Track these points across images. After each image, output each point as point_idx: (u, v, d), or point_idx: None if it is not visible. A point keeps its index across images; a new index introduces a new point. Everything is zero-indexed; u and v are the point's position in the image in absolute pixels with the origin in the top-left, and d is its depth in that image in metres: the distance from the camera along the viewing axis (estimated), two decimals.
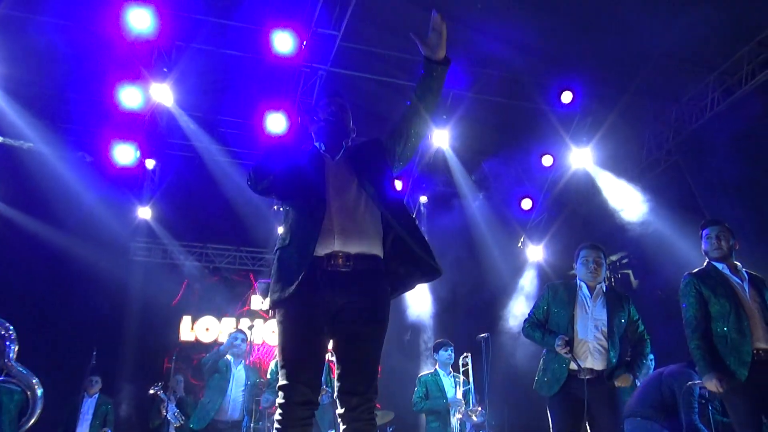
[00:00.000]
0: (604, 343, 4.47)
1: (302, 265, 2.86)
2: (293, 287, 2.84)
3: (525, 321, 4.81)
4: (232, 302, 12.05)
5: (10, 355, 5.72)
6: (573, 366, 4.41)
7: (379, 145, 3.26)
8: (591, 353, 4.44)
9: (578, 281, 4.73)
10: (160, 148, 10.11)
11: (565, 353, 4.36)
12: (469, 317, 10.98)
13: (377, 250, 3.00)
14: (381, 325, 2.96)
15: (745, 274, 4.49)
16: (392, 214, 3.02)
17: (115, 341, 10.38)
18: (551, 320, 4.66)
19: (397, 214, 3.03)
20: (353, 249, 2.93)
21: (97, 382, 8.45)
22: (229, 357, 7.11)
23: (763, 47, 8.21)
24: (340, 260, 2.90)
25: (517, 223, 12.00)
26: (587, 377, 4.34)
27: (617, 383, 4.43)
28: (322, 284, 2.88)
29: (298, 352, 2.84)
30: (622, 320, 4.60)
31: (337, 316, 2.92)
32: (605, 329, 4.50)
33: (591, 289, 4.66)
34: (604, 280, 4.76)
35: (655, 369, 6.10)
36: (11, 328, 5.73)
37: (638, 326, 4.69)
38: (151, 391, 8.17)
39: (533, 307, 4.84)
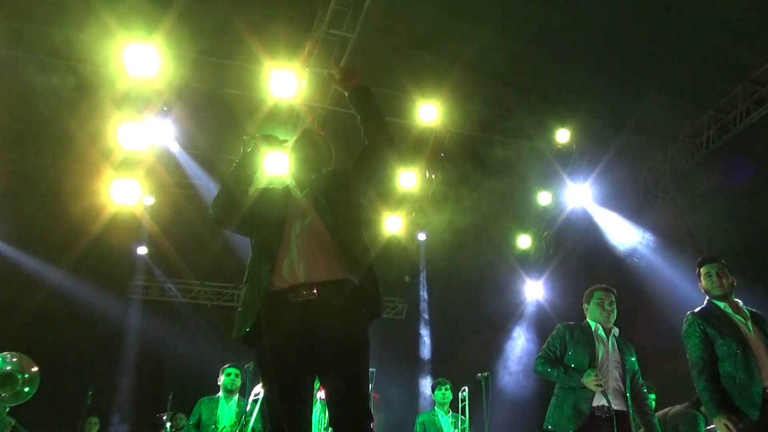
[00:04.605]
0: (621, 384, 4.43)
1: (256, 302, 2.85)
2: (248, 326, 2.84)
3: (539, 358, 4.68)
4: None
5: None
6: (595, 403, 4.33)
7: (346, 174, 3.25)
8: (613, 393, 4.37)
9: (591, 322, 4.68)
10: (160, 185, 10.14)
11: (598, 387, 4.26)
12: (469, 353, 10.90)
13: (348, 276, 2.92)
14: (361, 349, 2.84)
15: (747, 312, 4.40)
16: (341, 247, 2.94)
17: (111, 380, 10.24)
18: (569, 359, 4.55)
19: (347, 247, 2.95)
20: (318, 278, 2.86)
21: (96, 424, 8.29)
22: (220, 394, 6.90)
23: (756, 85, 8.29)
24: (305, 290, 2.83)
25: (515, 260, 12.00)
26: (608, 416, 4.26)
27: None
28: (290, 319, 2.80)
29: (283, 399, 2.72)
30: (634, 366, 4.58)
31: (314, 349, 2.81)
32: (621, 371, 4.46)
33: (606, 331, 4.62)
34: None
35: (656, 410, 6.04)
36: None
37: (639, 377, 4.64)
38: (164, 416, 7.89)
39: (547, 345, 4.71)
